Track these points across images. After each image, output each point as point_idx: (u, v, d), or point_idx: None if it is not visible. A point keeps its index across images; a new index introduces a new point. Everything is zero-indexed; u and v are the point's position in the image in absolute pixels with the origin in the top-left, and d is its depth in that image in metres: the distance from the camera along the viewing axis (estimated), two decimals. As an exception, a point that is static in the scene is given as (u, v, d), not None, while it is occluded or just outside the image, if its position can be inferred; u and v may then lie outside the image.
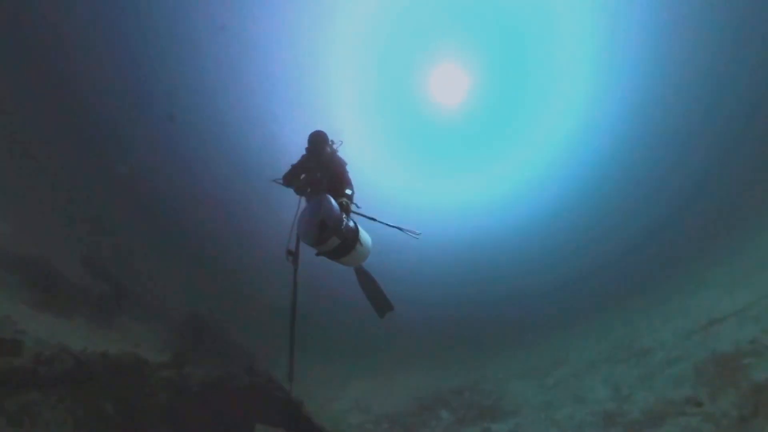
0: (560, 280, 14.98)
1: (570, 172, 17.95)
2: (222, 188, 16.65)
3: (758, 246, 10.60)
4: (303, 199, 5.32)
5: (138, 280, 9.85)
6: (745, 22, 14.51)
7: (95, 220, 13.17)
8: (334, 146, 5.54)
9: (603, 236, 16.42)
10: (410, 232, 5.52)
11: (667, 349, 8.64)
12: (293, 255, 4.96)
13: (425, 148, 18.63)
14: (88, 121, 15.47)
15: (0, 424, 3.68)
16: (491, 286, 15.44)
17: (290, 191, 6.12)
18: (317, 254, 4.94)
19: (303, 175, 5.45)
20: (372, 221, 5.42)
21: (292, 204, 5.74)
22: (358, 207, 5.37)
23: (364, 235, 5.22)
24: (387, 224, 5.46)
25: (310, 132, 5.39)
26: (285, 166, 5.76)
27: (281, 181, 5.46)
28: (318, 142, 5.31)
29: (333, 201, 4.75)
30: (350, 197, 5.15)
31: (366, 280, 5.81)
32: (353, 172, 5.48)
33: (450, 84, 17.07)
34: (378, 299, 5.79)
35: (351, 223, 4.94)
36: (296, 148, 5.73)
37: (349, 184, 5.29)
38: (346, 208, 4.91)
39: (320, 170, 5.33)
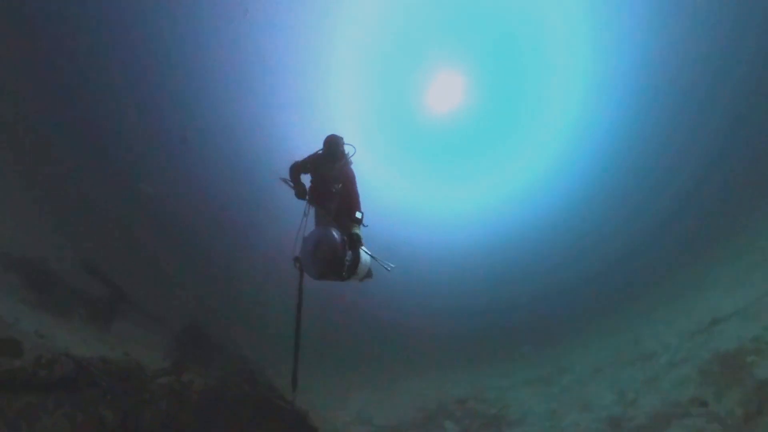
0: (562, 287, 14.91)
1: (568, 178, 18.00)
2: (224, 194, 16.79)
3: (757, 245, 10.58)
4: (309, 208, 5.22)
5: (137, 286, 9.85)
6: (739, 26, 14.74)
7: (95, 224, 13.24)
8: (349, 156, 5.35)
9: (603, 241, 16.40)
10: (384, 264, 5.22)
11: (671, 351, 8.55)
12: (300, 262, 4.88)
13: (424, 156, 18.76)
14: (91, 126, 15.65)
15: (-2, 428, 3.69)
16: (494, 294, 15.38)
17: (290, 196, 6.14)
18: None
19: (310, 182, 5.36)
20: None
21: (295, 209, 5.77)
22: (365, 226, 5.26)
23: (364, 256, 5.13)
24: (365, 251, 5.25)
25: (324, 136, 5.20)
26: (284, 173, 5.74)
27: (288, 179, 5.33)
28: (334, 148, 5.10)
29: (338, 242, 4.63)
30: (360, 221, 5.06)
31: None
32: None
33: (446, 94, 17.31)
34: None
35: (351, 254, 4.83)
36: (299, 153, 5.68)
37: (358, 206, 5.17)
38: (354, 243, 4.83)
39: (332, 182, 5.19)
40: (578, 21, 14.89)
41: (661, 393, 7.45)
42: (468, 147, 18.39)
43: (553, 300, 14.31)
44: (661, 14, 14.16)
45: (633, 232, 16.11)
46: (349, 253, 4.86)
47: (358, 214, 5.08)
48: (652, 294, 11.73)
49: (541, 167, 18.34)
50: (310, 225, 5.73)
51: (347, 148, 5.32)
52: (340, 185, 5.25)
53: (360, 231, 5.11)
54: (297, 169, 5.32)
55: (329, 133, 5.22)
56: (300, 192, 5.24)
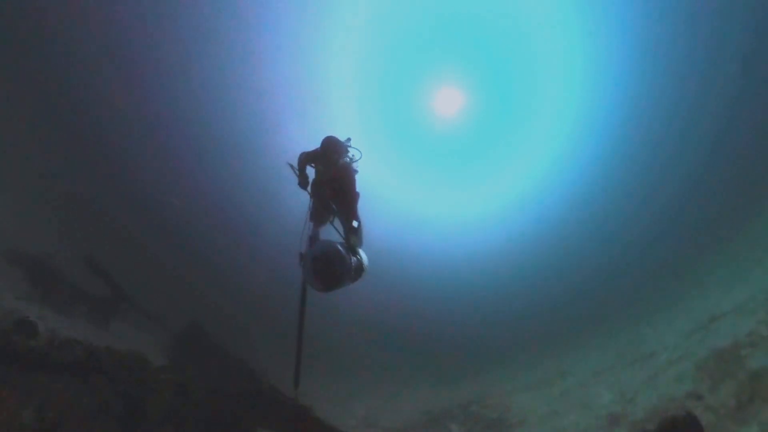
0: (562, 291, 14.87)
1: (568, 182, 18.02)
2: (225, 195, 17.06)
3: (755, 242, 10.61)
4: (311, 202, 5.25)
5: (138, 286, 10.06)
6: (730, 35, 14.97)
7: (98, 224, 13.52)
8: (352, 160, 5.34)
9: (603, 243, 16.38)
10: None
11: (669, 350, 8.57)
12: (305, 259, 4.81)
13: (424, 162, 18.91)
14: (93, 128, 16.07)
15: (10, 405, 3.93)
16: (495, 299, 15.38)
17: (292, 196, 6.27)
18: None
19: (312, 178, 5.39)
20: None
21: (296, 210, 5.95)
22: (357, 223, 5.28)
23: (365, 263, 5.15)
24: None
25: (321, 139, 5.22)
26: (286, 175, 5.88)
27: (295, 167, 5.35)
28: (329, 150, 5.10)
29: (344, 259, 4.54)
30: (356, 231, 5.06)
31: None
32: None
33: (444, 102, 17.67)
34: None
35: (355, 260, 4.84)
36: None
37: (355, 215, 5.15)
38: (352, 250, 4.82)
39: (331, 183, 5.20)
40: (574, 28, 15.21)
41: (658, 389, 7.49)
42: (469, 153, 18.53)
43: (554, 304, 14.27)
44: (656, 16, 14.39)
45: (633, 233, 16.12)
46: (354, 259, 4.84)
47: (355, 223, 5.07)
48: (653, 296, 11.72)
49: (540, 172, 18.37)
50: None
51: (352, 152, 5.39)
52: (338, 185, 5.25)
53: (354, 238, 5.08)
54: (303, 159, 5.35)
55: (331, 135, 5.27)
56: (302, 182, 5.30)
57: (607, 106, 16.59)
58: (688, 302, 10.03)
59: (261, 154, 16.38)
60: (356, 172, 5.44)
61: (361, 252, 5.17)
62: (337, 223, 5.58)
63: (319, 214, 5.44)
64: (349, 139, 5.50)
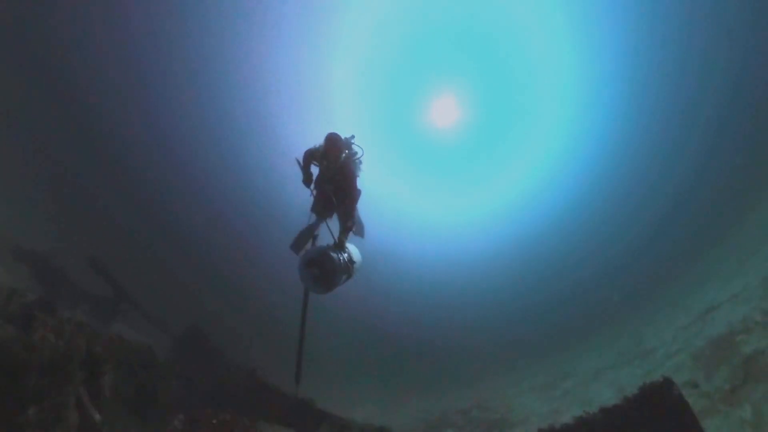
0: (562, 295, 14.82)
1: (566, 185, 18.07)
2: (227, 196, 17.24)
3: (751, 236, 10.69)
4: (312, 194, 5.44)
5: (138, 287, 10.11)
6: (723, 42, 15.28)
7: (100, 225, 13.64)
8: (355, 157, 5.47)
9: (603, 245, 16.33)
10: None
11: (668, 345, 8.61)
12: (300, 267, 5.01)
13: (423, 167, 19.13)
14: (97, 129, 16.28)
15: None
16: (495, 303, 15.34)
17: (293, 198, 6.42)
18: None
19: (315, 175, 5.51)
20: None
21: (297, 209, 6.10)
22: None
23: (356, 257, 5.36)
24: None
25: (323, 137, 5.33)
26: (286, 179, 6.02)
27: (300, 163, 5.47)
28: (333, 147, 5.24)
29: (334, 260, 4.81)
30: (350, 229, 5.24)
31: None
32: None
33: (445, 108, 17.99)
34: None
35: (345, 256, 5.07)
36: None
37: (353, 214, 5.34)
38: (340, 246, 5.07)
39: (333, 179, 5.33)
40: (567, 35, 15.61)
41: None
42: (468, 154, 18.81)
43: (555, 307, 14.22)
44: (648, 19, 14.73)
45: (633, 234, 16.11)
46: (344, 255, 5.08)
47: (349, 223, 5.25)
48: (653, 295, 11.72)
49: (539, 175, 18.47)
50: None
51: (354, 149, 5.51)
52: (339, 181, 5.37)
53: (346, 236, 5.28)
54: (308, 156, 5.43)
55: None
56: (306, 179, 5.42)
57: (606, 106, 16.71)
58: (686, 297, 10.06)
59: (262, 158, 16.65)
60: (360, 168, 5.58)
61: (351, 248, 5.38)
62: (335, 220, 5.86)
63: (321, 207, 5.56)
64: (352, 136, 5.61)
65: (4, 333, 4.43)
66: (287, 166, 5.86)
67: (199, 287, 14.10)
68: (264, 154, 16.90)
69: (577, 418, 6.09)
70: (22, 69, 14.89)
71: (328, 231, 5.42)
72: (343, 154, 5.36)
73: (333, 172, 5.35)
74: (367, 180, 6.14)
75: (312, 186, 5.46)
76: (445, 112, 17.97)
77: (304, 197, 5.73)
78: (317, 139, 5.58)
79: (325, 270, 4.89)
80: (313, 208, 5.59)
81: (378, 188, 16.85)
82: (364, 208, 5.87)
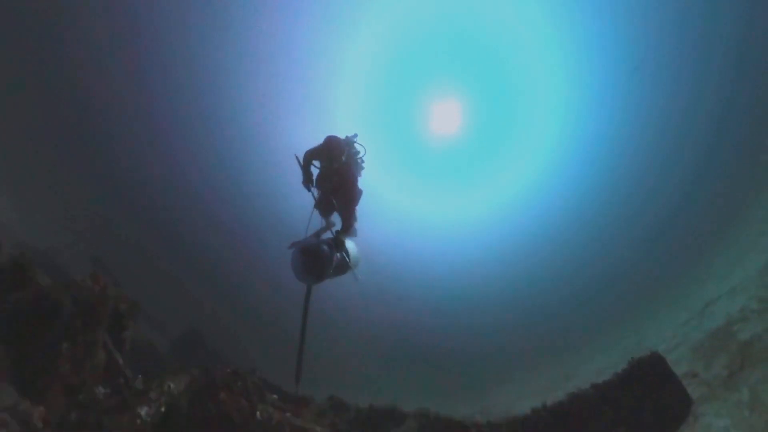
0: (563, 298, 14.75)
1: (564, 188, 18.14)
2: (227, 197, 17.35)
3: (750, 230, 10.70)
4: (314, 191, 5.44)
5: (140, 288, 10.12)
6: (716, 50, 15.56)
7: (102, 226, 13.69)
8: (357, 156, 5.50)
9: (603, 247, 16.31)
10: (356, 275, 5.51)
11: (668, 340, 8.57)
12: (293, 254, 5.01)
13: (422, 169, 19.48)
14: (97, 129, 16.52)
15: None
16: (496, 307, 15.24)
17: (293, 200, 6.50)
18: None
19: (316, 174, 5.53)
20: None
21: (297, 210, 6.11)
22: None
23: (353, 252, 5.39)
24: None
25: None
26: (287, 180, 6.10)
27: (300, 161, 5.47)
28: (333, 147, 5.24)
29: (327, 254, 4.82)
30: (348, 229, 5.29)
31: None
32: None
33: (444, 115, 18.45)
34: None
35: (339, 255, 5.07)
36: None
37: (353, 214, 5.37)
38: (338, 245, 5.07)
39: (333, 178, 5.34)
40: (567, 37, 15.96)
41: (656, 375, 7.44)
42: (468, 155, 19.02)
43: (554, 308, 14.14)
44: (647, 21, 15.05)
45: (633, 235, 16.10)
46: (337, 255, 5.08)
47: (349, 222, 5.29)
48: (653, 294, 11.67)
49: (540, 175, 18.69)
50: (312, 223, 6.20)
51: (357, 147, 5.55)
52: (340, 181, 5.39)
53: (345, 236, 5.31)
54: (308, 157, 5.41)
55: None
56: (306, 180, 5.40)
57: (606, 107, 16.95)
58: (686, 295, 10.03)
59: (262, 161, 16.86)
60: (362, 168, 5.67)
61: (348, 245, 5.39)
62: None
63: (322, 205, 5.63)
64: (355, 135, 5.63)
65: (43, 279, 4.44)
66: (287, 166, 5.89)
67: (199, 287, 14.10)
68: (264, 157, 17.08)
69: (569, 393, 6.11)
70: (23, 69, 15.19)
71: (329, 230, 5.51)
72: (344, 155, 5.37)
73: (333, 172, 5.37)
74: (368, 181, 6.24)
75: (312, 186, 5.48)
76: (446, 115, 18.30)
77: (303, 197, 5.77)
78: (318, 141, 5.65)
79: (316, 258, 4.91)
80: (317, 206, 5.63)
81: (380, 189, 16.93)
82: (364, 208, 5.92)
